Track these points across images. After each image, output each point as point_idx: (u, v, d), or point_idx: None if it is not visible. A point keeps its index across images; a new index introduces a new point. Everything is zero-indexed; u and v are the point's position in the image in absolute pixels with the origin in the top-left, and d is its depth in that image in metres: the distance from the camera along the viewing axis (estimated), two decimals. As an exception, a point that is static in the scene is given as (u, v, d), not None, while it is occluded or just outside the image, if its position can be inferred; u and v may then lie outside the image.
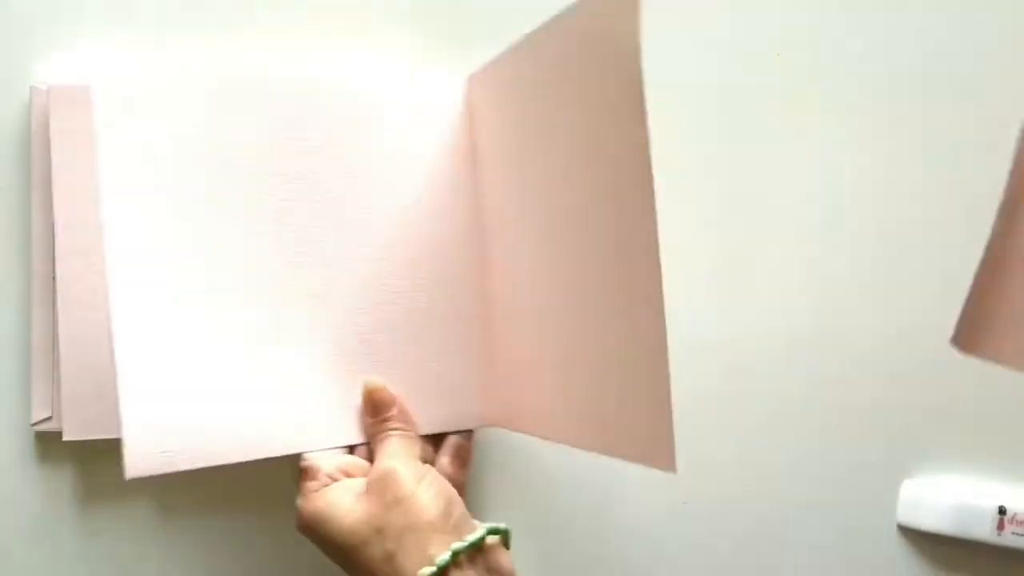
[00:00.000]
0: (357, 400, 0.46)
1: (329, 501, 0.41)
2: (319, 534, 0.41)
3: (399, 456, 0.43)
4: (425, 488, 0.41)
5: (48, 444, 0.49)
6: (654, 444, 0.37)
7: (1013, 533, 0.50)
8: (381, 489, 0.41)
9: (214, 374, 0.43)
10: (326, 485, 0.43)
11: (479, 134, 0.48)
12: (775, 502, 0.52)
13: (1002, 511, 0.50)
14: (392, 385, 0.46)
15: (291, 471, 0.44)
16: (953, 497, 0.51)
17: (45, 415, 0.48)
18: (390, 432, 0.45)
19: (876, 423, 0.52)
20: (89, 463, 0.49)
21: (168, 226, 0.43)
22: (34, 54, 0.49)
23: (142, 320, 0.42)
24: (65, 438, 0.47)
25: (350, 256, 0.46)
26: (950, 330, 0.51)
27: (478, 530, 0.40)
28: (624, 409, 0.39)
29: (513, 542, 0.41)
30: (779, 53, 0.52)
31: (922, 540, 0.52)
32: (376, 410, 0.45)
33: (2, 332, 0.48)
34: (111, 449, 0.48)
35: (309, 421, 0.45)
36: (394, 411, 0.45)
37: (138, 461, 0.40)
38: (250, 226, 0.45)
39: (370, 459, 0.45)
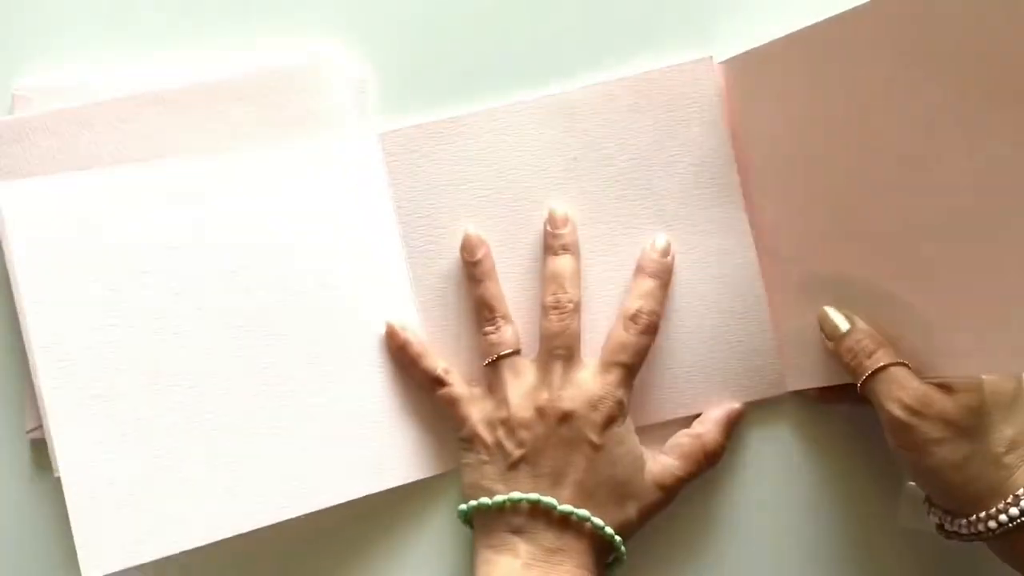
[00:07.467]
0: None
1: None
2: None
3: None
4: None
5: (45, 451, 0.49)
6: None
7: (1015, 535, 0.49)
8: None
9: (163, 463, 0.44)
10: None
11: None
12: (774, 502, 0.52)
13: (1004, 513, 0.49)
14: None
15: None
16: (955, 498, 0.50)
17: (39, 423, 0.48)
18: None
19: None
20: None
21: (98, 330, 0.44)
22: (18, 61, 0.48)
23: (82, 426, 0.43)
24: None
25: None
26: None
27: None
28: None
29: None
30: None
31: (923, 541, 0.51)
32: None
33: (-3, 340, 0.49)
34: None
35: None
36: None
37: (94, 558, 0.43)
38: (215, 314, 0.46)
39: None
